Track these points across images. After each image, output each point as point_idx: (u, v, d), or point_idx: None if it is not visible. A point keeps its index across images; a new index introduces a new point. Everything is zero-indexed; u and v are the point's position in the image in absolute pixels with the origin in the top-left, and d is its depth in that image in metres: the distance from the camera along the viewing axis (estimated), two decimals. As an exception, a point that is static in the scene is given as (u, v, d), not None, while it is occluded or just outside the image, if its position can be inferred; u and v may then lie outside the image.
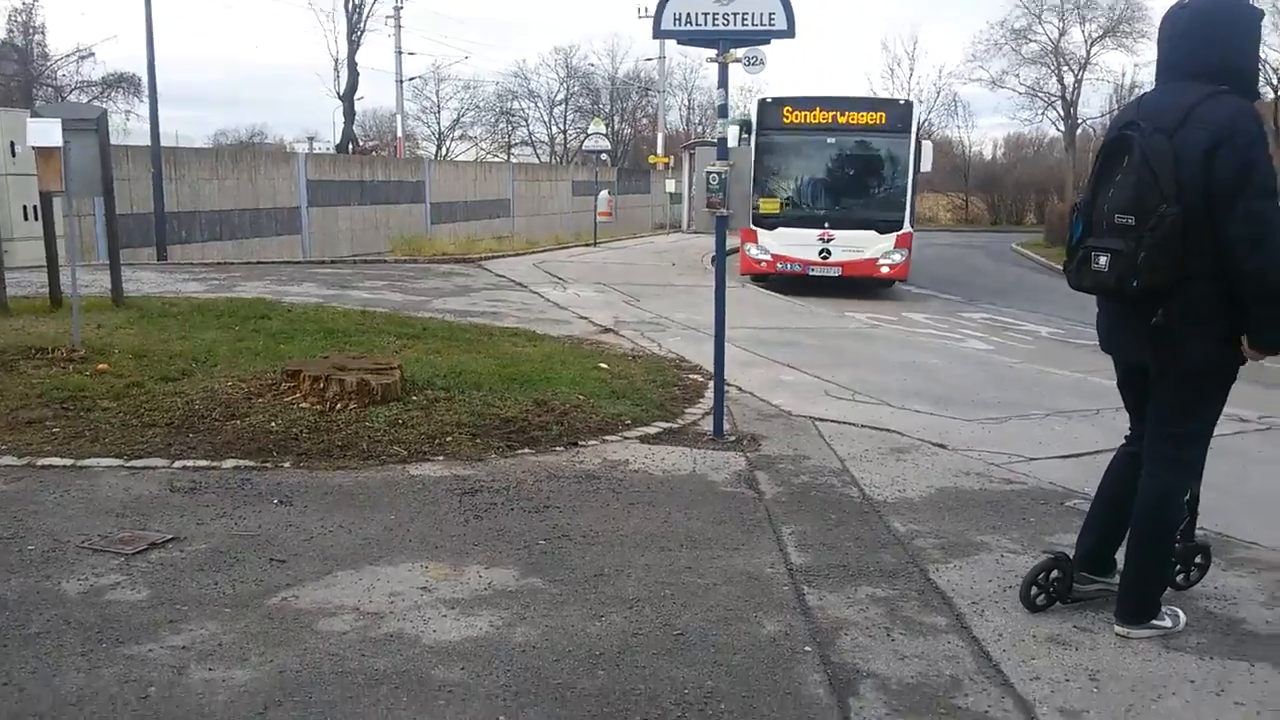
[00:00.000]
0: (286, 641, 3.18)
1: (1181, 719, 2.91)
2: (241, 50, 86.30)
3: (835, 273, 15.37)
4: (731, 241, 22.77)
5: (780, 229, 15.37)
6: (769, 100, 15.61)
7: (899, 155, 15.47)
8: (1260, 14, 3.35)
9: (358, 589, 3.62)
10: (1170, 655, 3.30)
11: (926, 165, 15.55)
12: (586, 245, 23.21)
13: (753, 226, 14.55)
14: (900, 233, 15.36)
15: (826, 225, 15.37)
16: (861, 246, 15.28)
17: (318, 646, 3.16)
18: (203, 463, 4.99)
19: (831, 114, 15.45)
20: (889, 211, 15.51)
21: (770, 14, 5.49)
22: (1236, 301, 3.09)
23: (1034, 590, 3.57)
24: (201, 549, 3.93)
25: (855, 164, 15.92)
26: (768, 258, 15.49)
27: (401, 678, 2.99)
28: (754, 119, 15.35)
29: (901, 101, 16.70)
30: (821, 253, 15.31)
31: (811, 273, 15.38)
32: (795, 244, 15.37)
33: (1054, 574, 3.57)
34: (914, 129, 15.43)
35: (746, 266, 15.78)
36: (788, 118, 15.46)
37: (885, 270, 15.42)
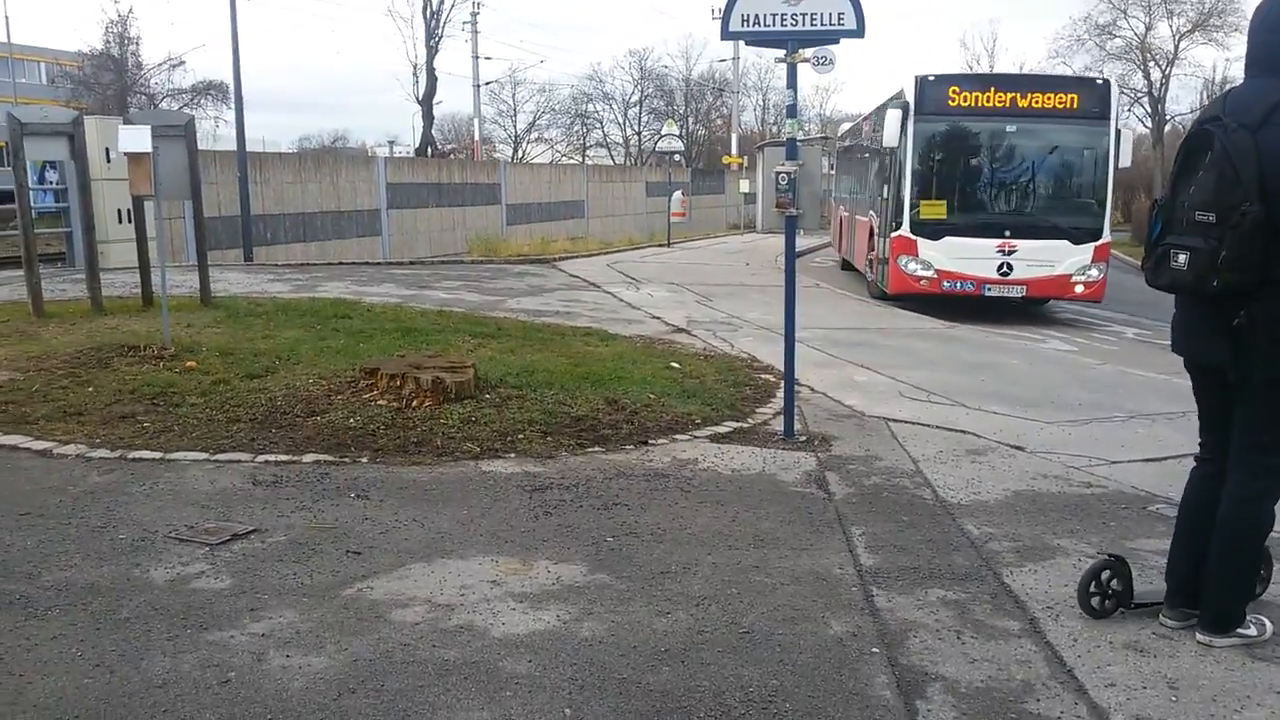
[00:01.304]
0: (361, 631, 3.27)
1: (1265, 731, 2.81)
2: (324, 57, 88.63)
3: (1018, 293, 12.66)
4: (804, 242, 22.44)
5: (948, 239, 12.60)
6: (930, 78, 12.91)
7: (1096, 147, 12.56)
8: None
9: (430, 581, 3.69)
10: (1255, 665, 3.19)
11: (1126, 159, 12.76)
12: (660, 246, 23.24)
13: (910, 235, 12.57)
14: (1099, 243, 12.55)
15: (1007, 234, 12.48)
16: (1052, 260, 12.46)
17: (390, 636, 3.24)
18: (284, 457, 5.14)
19: (1010, 95, 12.63)
20: (1084, 217, 12.64)
21: (840, 14, 5.44)
22: None
23: (1094, 595, 3.47)
24: (281, 540, 4.05)
25: (1042, 157, 12.85)
26: (931, 274, 12.65)
27: (470, 668, 3.04)
28: (911, 101, 12.64)
29: (1099, 81, 13.55)
30: (1001, 268, 12.44)
31: (988, 293, 12.60)
32: (967, 257, 12.56)
33: (1106, 575, 3.47)
34: (1113, 115, 12.55)
35: (900, 285, 12.92)
36: (954, 100, 12.67)
37: (1080, 289, 12.57)
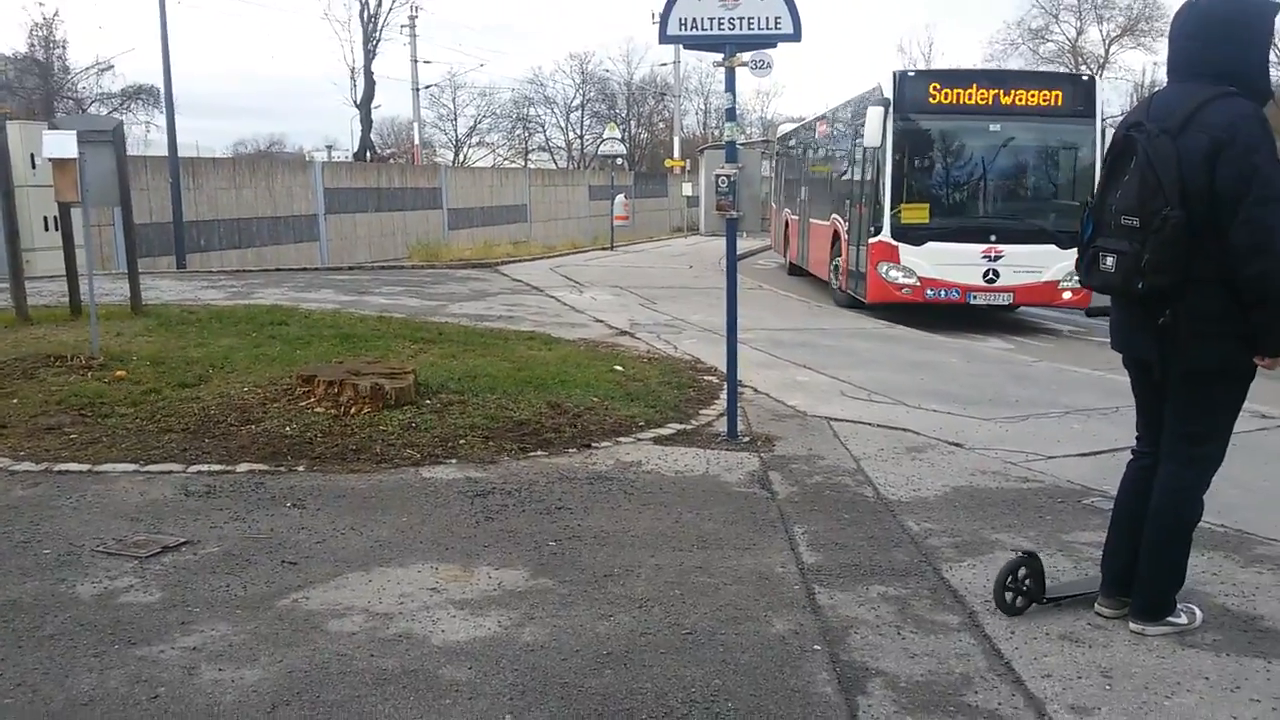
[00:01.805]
0: (296, 642, 3.20)
1: (1195, 716, 2.87)
2: (258, 61, 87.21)
3: (1004, 299, 12.13)
4: (746, 245, 22.40)
5: (931, 244, 11.99)
6: (910, 74, 12.62)
7: (1081, 145, 12.11)
8: (1274, 9, 3.28)
9: (368, 590, 3.63)
10: (1185, 652, 3.26)
11: None
12: (604, 249, 23.23)
13: (891, 240, 11.94)
14: None
15: (993, 239, 11.86)
16: (1040, 266, 11.87)
17: (327, 647, 3.17)
18: (217, 467, 5.02)
19: (993, 92, 12.00)
20: (1071, 219, 11.50)
21: (776, 18, 5.46)
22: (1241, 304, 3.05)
23: (1008, 591, 3.52)
24: (214, 552, 3.96)
25: (1027, 157, 12.40)
26: (914, 282, 12.03)
27: (409, 677, 2.99)
28: (890, 97, 11.99)
29: (1084, 77, 13.46)
30: (987, 275, 11.82)
31: (973, 300, 11.98)
32: (952, 263, 11.96)
33: (1022, 573, 3.52)
34: (1098, 112, 12.06)
35: (879, 293, 12.34)
36: (935, 97, 12.03)
37: (1068, 295, 11.93)
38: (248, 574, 3.75)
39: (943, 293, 12.08)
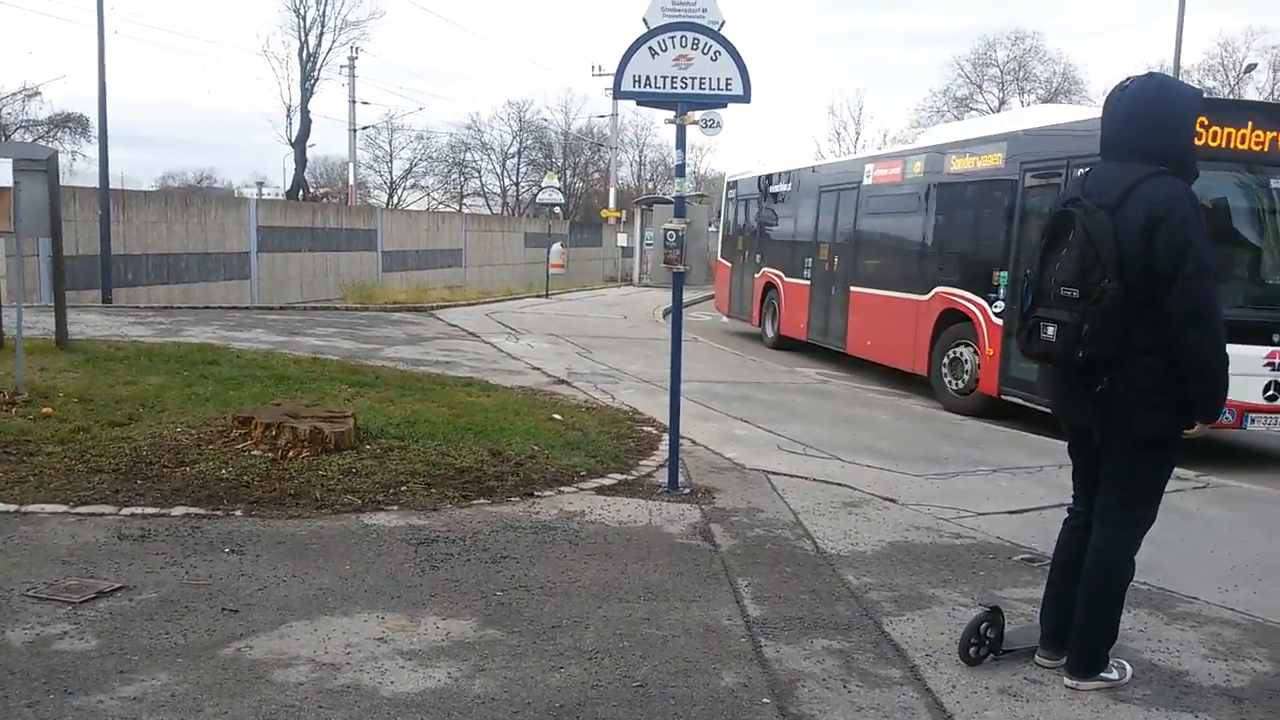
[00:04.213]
0: (241, 693, 3.13)
1: (1130, 769, 2.98)
2: (191, 94, 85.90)
3: None
4: (686, 295, 20.04)
5: None
6: None
7: None
8: (1198, 95, 3.52)
9: (313, 639, 3.57)
10: (1118, 707, 3.38)
11: None
12: (539, 296, 23.26)
13: None
14: None
15: (1278, 339, 8.31)
16: None
17: (273, 698, 3.11)
18: (151, 510, 4.90)
19: (1270, 135, 8.24)
20: None
21: (728, 79, 5.64)
22: (1178, 373, 3.22)
23: (972, 644, 3.63)
24: (151, 598, 3.86)
25: None
26: None
27: (359, 730, 2.95)
28: None
29: None
30: (1270, 390, 8.27)
31: (1250, 425, 8.38)
32: None
33: (985, 627, 3.64)
34: None
35: None
36: (1201, 136, 7.90)
37: None
38: (187, 621, 3.66)
39: None
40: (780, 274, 15.99)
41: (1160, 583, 4.63)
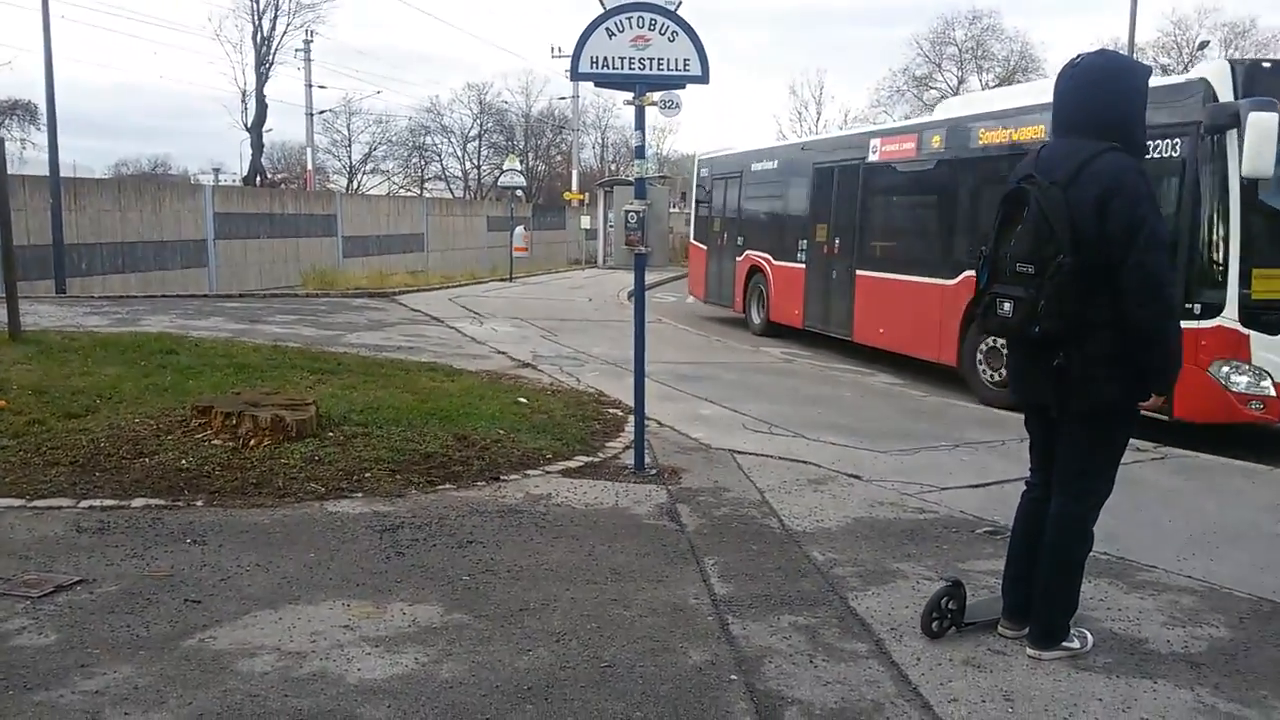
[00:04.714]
0: (205, 684, 3.10)
1: (1090, 735, 3.04)
2: (144, 78, 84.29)
3: None
4: (648, 277, 19.51)
5: None
6: (1265, 65, 7.72)
7: None
8: (1147, 71, 3.55)
9: (278, 629, 3.54)
10: (1080, 675, 3.44)
11: None
12: (502, 280, 23.15)
13: (1239, 326, 7.58)
14: None
15: None
16: None
17: (238, 688, 3.08)
18: (110, 502, 4.83)
19: None
20: None
21: (685, 60, 5.61)
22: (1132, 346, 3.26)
23: (934, 618, 3.68)
24: (112, 591, 3.80)
25: None
26: (1270, 392, 7.62)
27: (326, 717, 2.93)
28: (1229, 85, 7.58)
29: None
30: None
31: None
32: None
33: (947, 601, 3.69)
34: None
35: (1208, 406, 7.70)
36: None
37: None
38: (149, 613, 3.61)
39: None
40: (767, 257, 15.03)
41: (1119, 552, 4.71)
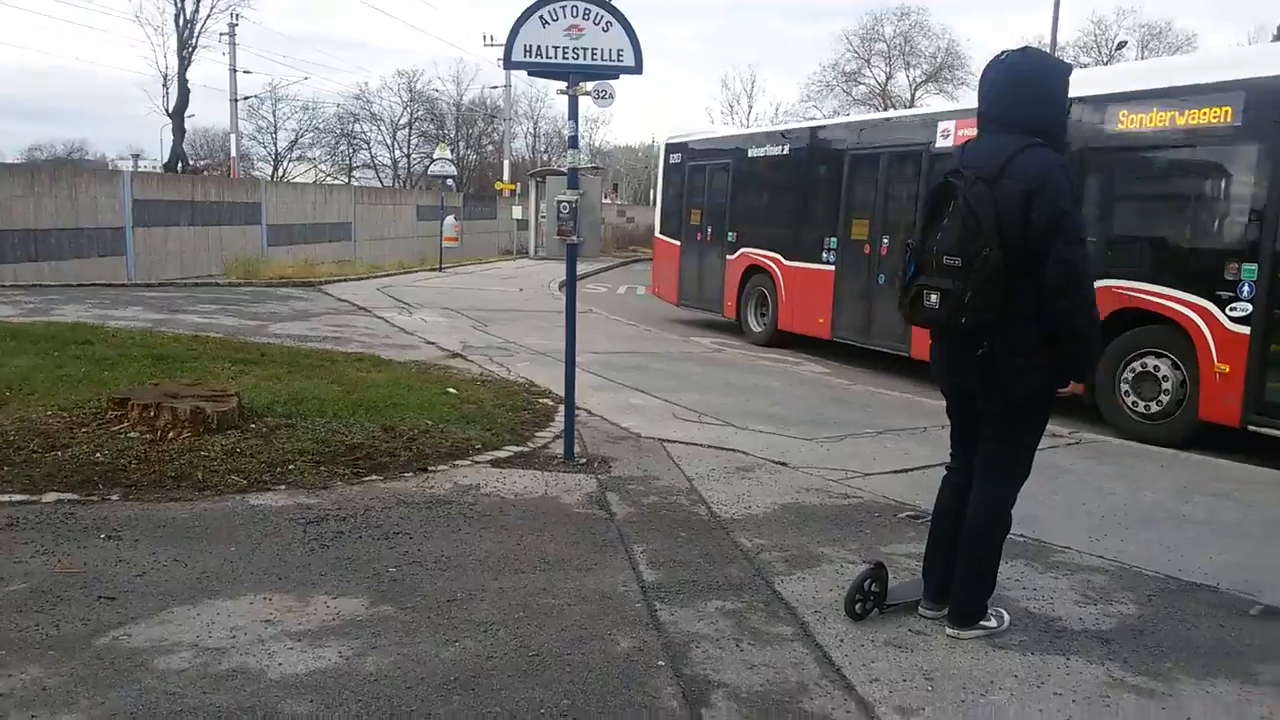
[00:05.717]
0: (119, 682, 3.02)
1: (1008, 710, 3.13)
2: (60, 61, 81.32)
3: None
4: (580, 268, 18.54)
5: None
6: None
7: None
8: (1069, 69, 3.64)
9: (196, 625, 3.46)
10: (997, 653, 3.53)
11: None
12: (433, 270, 22.88)
13: None
14: None
15: None
16: None
17: (154, 686, 3.01)
18: (19, 497, 4.67)
19: None
20: None
21: (619, 50, 5.60)
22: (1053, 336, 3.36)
23: (857, 600, 3.75)
24: (20, 589, 3.68)
25: None
26: None
27: (246, 714, 2.88)
28: None
29: None
30: None
31: None
32: None
33: (869, 583, 3.76)
34: None
35: None
36: None
37: None
38: (60, 611, 3.50)
39: None
40: (776, 256, 13.14)
41: (1035, 534, 4.85)
